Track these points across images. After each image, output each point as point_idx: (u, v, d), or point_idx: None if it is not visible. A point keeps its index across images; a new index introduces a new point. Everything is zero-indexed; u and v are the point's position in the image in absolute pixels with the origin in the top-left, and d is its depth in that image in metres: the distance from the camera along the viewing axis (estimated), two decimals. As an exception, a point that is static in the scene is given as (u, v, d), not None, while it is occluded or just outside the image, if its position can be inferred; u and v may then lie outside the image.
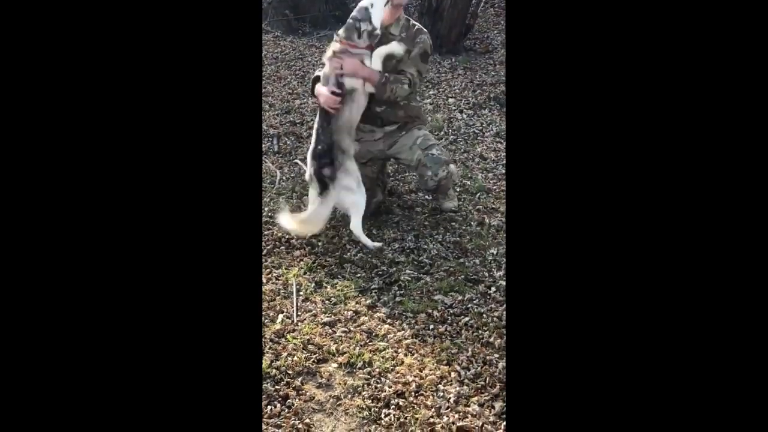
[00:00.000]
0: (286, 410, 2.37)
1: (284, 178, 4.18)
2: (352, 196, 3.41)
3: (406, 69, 3.49)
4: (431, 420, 2.32)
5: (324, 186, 3.38)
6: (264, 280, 3.13)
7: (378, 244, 3.43)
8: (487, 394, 2.44)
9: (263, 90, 5.54)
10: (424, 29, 3.63)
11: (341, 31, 3.41)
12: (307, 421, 2.33)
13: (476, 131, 4.89)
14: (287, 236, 3.51)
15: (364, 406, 2.38)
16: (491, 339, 2.74)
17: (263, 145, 4.59)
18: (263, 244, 3.44)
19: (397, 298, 3.02)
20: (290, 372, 2.54)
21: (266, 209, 3.79)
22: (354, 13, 3.39)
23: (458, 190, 4.02)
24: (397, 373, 2.54)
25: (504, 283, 3.09)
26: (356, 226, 3.41)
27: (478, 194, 4.00)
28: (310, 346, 2.68)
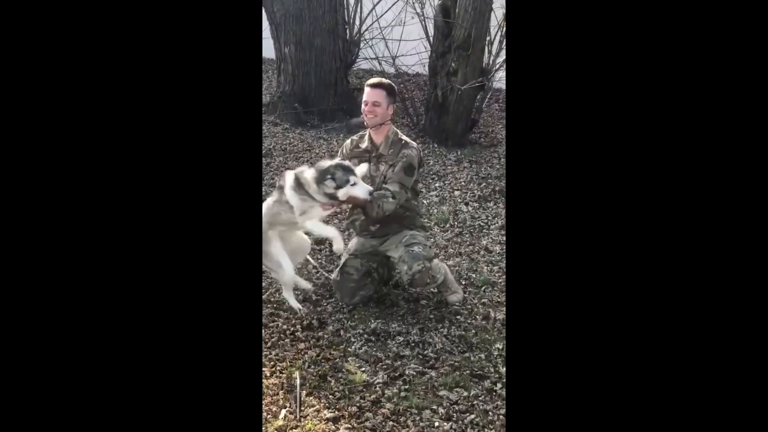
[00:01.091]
0: None
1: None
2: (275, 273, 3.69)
3: (389, 186, 3.63)
4: None
5: None
6: (267, 374, 3.10)
7: (298, 306, 3.64)
8: (493, 496, 2.38)
9: (271, 182, 5.62)
10: (412, 143, 3.75)
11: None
12: None
13: (481, 224, 4.93)
14: (292, 328, 3.50)
15: None
16: (497, 438, 2.68)
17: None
18: (268, 336, 3.42)
19: (402, 393, 2.98)
20: (292, 470, 2.48)
21: (272, 299, 3.79)
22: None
23: (463, 283, 4.03)
24: (402, 473, 2.48)
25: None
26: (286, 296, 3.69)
27: (484, 287, 4.00)
28: (312, 444, 2.63)
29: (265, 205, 3.60)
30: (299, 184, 3.48)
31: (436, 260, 3.81)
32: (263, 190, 5.44)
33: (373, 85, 3.70)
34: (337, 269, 3.83)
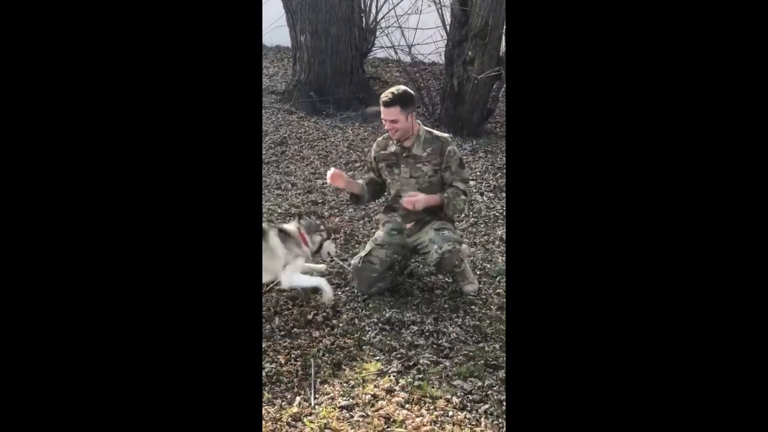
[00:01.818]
0: (301, 498, 2.32)
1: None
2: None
3: (458, 185, 3.70)
4: None
5: None
6: (283, 361, 3.12)
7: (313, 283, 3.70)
8: (507, 486, 2.38)
9: (286, 170, 5.64)
10: (446, 137, 3.77)
11: None
12: None
13: (497, 214, 4.92)
14: (307, 317, 3.51)
15: (381, 496, 2.32)
16: (512, 428, 2.68)
17: (285, 225, 4.64)
18: (283, 324, 3.44)
19: (416, 383, 2.98)
20: (306, 457, 2.50)
21: (287, 289, 3.80)
22: None
23: (478, 273, 4.02)
24: (415, 461, 2.48)
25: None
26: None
27: (498, 278, 3.99)
28: (327, 431, 2.64)
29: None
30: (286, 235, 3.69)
31: (464, 245, 3.89)
32: (277, 178, 5.45)
33: (386, 103, 3.65)
34: (360, 256, 3.83)
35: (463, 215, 4.84)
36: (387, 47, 7.70)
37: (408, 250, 3.85)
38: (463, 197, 3.71)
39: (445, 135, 3.82)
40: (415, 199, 3.66)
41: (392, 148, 3.84)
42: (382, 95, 3.72)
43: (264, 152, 5.98)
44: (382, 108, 3.68)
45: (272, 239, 3.61)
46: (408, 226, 3.82)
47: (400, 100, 3.63)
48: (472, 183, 5.31)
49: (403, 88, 3.74)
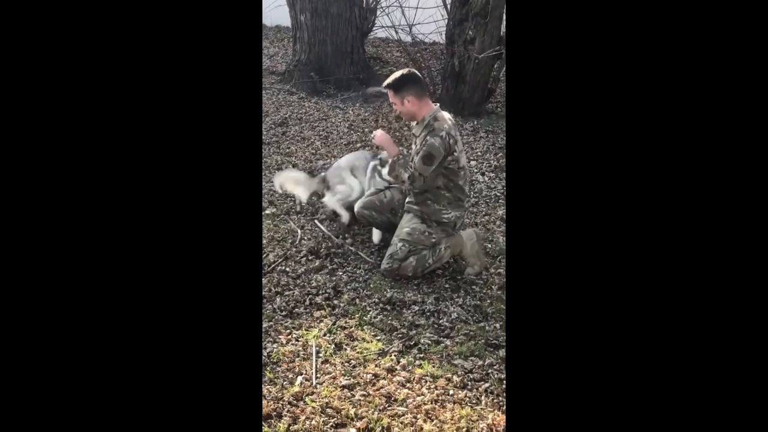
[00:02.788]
0: (303, 476, 2.34)
1: (305, 237, 4.20)
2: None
3: (413, 165, 3.73)
4: (450, 490, 2.27)
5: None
6: (284, 341, 3.13)
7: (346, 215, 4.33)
8: (507, 463, 2.40)
9: (287, 150, 5.63)
10: (441, 130, 3.65)
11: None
12: (324, 487, 2.29)
13: (497, 194, 4.91)
14: (308, 297, 3.53)
15: (382, 474, 2.35)
16: (512, 406, 2.70)
17: (285, 205, 4.65)
18: (284, 304, 3.45)
19: (417, 362, 3.00)
20: (308, 436, 2.52)
21: (288, 269, 3.81)
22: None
23: (479, 252, 4.02)
24: (416, 439, 2.50)
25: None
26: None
27: (499, 257, 3.99)
28: (328, 410, 2.66)
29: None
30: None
31: (472, 230, 3.96)
32: (278, 159, 5.44)
33: (386, 87, 3.77)
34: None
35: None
36: (388, 27, 7.65)
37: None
38: (405, 175, 3.73)
39: (443, 130, 3.64)
40: (378, 133, 3.93)
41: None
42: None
43: (264, 133, 5.96)
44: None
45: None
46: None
47: (393, 85, 3.69)
48: (473, 163, 5.31)
49: (401, 72, 3.74)
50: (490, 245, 4.13)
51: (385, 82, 3.73)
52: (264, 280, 3.66)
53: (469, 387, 2.84)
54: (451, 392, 2.79)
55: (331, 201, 4.40)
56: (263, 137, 5.84)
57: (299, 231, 4.27)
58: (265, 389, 2.76)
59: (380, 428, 2.56)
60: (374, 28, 8.08)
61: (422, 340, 3.16)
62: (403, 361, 3.00)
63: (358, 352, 3.07)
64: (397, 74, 3.72)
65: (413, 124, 3.89)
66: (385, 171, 4.08)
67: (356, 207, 4.09)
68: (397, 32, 7.46)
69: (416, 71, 3.83)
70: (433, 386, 2.83)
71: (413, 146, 3.84)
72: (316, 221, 4.42)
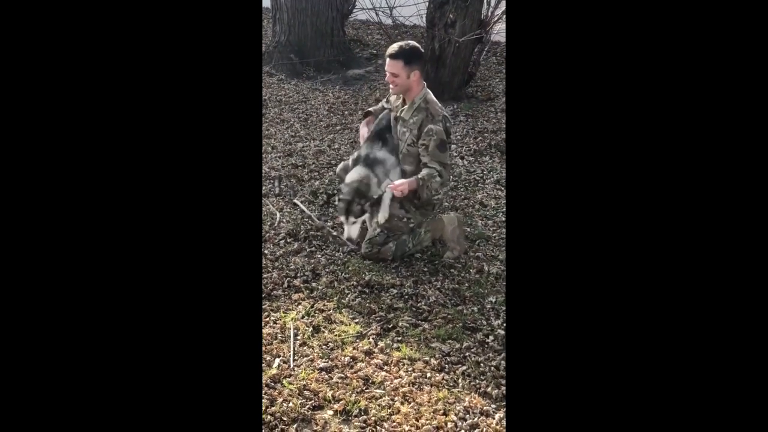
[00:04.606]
0: (280, 458, 2.34)
1: (284, 219, 4.19)
2: None
3: (432, 165, 3.61)
4: (427, 471, 2.29)
5: None
6: (262, 323, 3.12)
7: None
8: (483, 445, 2.42)
9: (266, 132, 5.59)
10: (438, 115, 3.63)
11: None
12: (301, 469, 2.30)
13: (477, 178, 4.92)
14: (286, 279, 3.52)
15: (359, 456, 2.35)
16: (489, 389, 2.72)
17: (264, 188, 4.62)
18: (263, 286, 3.44)
19: (395, 345, 3.00)
20: (285, 419, 2.52)
21: (266, 251, 3.79)
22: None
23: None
24: (393, 422, 2.51)
25: (502, 332, 3.09)
26: None
27: (478, 241, 4.00)
28: (306, 392, 2.66)
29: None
30: None
31: (453, 214, 3.92)
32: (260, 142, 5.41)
33: (391, 55, 3.62)
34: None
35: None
36: (368, 9, 7.60)
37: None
38: (438, 179, 3.61)
39: (440, 114, 3.64)
40: (402, 188, 3.58)
41: (390, 104, 3.87)
42: (391, 46, 3.70)
43: (243, 115, 5.91)
44: (387, 59, 3.65)
45: None
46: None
47: (405, 55, 3.59)
48: (452, 147, 5.32)
49: (413, 44, 3.70)
50: (469, 229, 4.14)
51: (395, 51, 3.61)
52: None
53: (446, 370, 2.85)
54: (428, 375, 2.80)
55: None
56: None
57: (278, 213, 4.24)
58: (243, 371, 2.75)
59: (357, 410, 2.57)
60: (354, 10, 8.02)
61: (400, 323, 3.17)
62: (381, 343, 3.01)
63: (336, 335, 3.07)
64: (407, 45, 3.64)
65: (393, 100, 3.85)
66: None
67: (338, 168, 4.02)
68: (377, 14, 7.43)
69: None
70: (410, 369, 2.84)
71: (398, 128, 3.77)
72: (296, 201, 4.40)
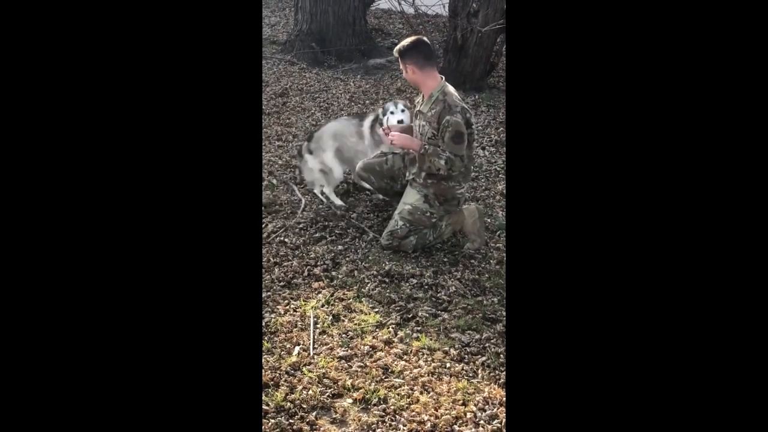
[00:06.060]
0: (300, 445, 2.35)
1: (305, 209, 4.20)
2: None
3: (446, 151, 3.64)
4: (445, 461, 2.29)
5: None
6: (282, 311, 3.14)
7: (340, 203, 4.27)
8: (502, 436, 2.42)
9: (287, 121, 5.60)
10: (456, 107, 3.62)
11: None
12: (320, 456, 2.31)
13: (498, 169, 4.90)
14: (306, 268, 3.53)
15: (378, 444, 2.36)
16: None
17: (287, 175, 4.63)
18: (283, 275, 3.45)
19: (414, 335, 3.01)
20: (304, 406, 2.53)
21: (287, 240, 3.81)
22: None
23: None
24: (413, 411, 2.52)
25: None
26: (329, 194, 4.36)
27: (498, 232, 3.99)
28: (325, 380, 2.67)
29: (334, 123, 4.58)
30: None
31: (474, 205, 3.94)
32: (278, 129, 5.42)
33: (395, 52, 3.78)
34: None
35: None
36: (390, -2, 7.58)
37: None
38: (441, 162, 3.61)
39: (458, 106, 3.63)
40: (397, 139, 3.74)
41: (417, 99, 3.92)
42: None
43: (265, 103, 5.93)
44: None
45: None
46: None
47: (400, 52, 3.71)
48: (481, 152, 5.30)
49: (410, 39, 3.73)
50: (489, 220, 4.13)
51: (397, 48, 3.75)
52: (263, 251, 3.65)
53: (466, 360, 2.85)
54: (448, 365, 2.80)
55: (311, 175, 4.40)
56: (263, 108, 5.81)
57: (303, 199, 4.26)
58: (263, 359, 2.77)
59: (377, 399, 2.57)
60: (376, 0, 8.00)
61: (420, 313, 3.17)
62: (400, 333, 3.01)
63: (355, 324, 3.07)
64: (405, 42, 3.71)
65: (417, 99, 3.87)
66: (384, 135, 4.02)
67: (357, 168, 4.11)
68: (399, 3, 7.39)
69: (426, 40, 3.79)
70: (430, 359, 2.84)
71: (417, 121, 3.80)
72: (315, 191, 4.40)
